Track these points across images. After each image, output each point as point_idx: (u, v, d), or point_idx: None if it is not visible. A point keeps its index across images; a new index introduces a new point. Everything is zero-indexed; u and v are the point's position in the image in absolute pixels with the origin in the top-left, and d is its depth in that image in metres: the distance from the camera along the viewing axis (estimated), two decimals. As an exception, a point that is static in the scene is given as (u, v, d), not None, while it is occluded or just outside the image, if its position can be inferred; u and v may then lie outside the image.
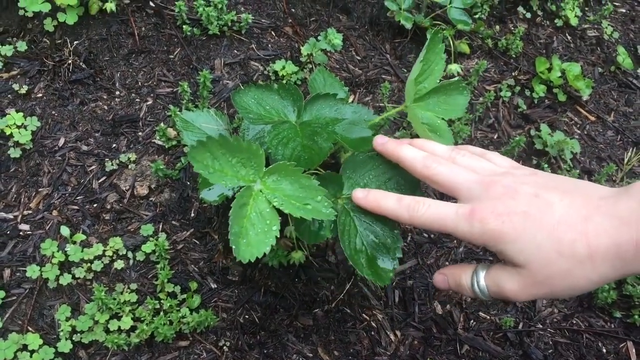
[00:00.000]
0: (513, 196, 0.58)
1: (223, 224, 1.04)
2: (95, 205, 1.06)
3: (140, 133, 1.14)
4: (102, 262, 1.00)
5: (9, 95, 1.14)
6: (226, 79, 1.22)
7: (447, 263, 1.11)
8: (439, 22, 1.34)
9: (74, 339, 0.93)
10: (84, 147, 1.11)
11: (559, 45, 1.49)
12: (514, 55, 1.42)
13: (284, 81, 1.21)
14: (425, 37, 1.31)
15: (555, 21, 1.52)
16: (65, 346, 0.92)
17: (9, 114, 1.10)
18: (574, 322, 1.09)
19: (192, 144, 0.65)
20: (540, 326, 1.07)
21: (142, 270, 1.01)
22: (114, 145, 1.12)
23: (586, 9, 1.59)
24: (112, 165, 1.09)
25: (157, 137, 1.12)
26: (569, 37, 1.52)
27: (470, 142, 1.25)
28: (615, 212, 0.53)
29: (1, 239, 1.01)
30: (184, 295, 0.98)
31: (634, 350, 1.07)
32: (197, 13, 1.23)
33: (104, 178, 1.08)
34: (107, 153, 1.11)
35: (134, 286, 0.99)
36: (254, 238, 0.65)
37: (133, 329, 0.94)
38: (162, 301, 0.97)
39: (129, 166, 1.09)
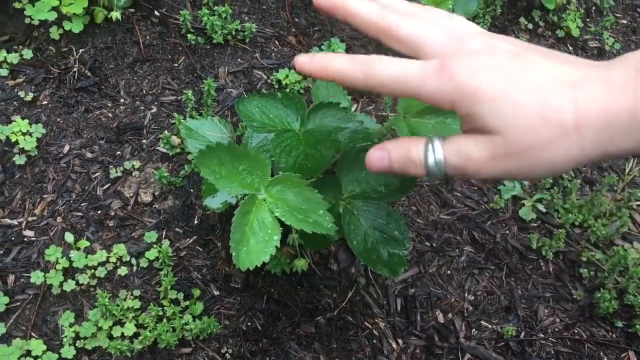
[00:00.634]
0: (491, 53, 0.49)
1: (226, 231, 1.05)
2: (99, 212, 1.06)
3: (144, 141, 1.14)
4: (106, 268, 1.00)
5: (15, 103, 1.15)
6: (230, 87, 1.23)
7: (449, 272, 1.11)
8: (441, 32, 1.35)
9: (77, 345, 0.93)
10: (89, 154, 1.12)
11: (560, 55, 1.50)
12: (515, 66, 1.42)
13: (287, 90, 1.22)
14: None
15: (557, 32, 1.53)
16: (68, 352, 0.92)
17: (15, 121, 1.11)
18: (576, 331, 1.09)
19: (200, 150, 0.66)
20: (542, 335, 1.07)
21: (146, 276, 1.02)
22: (118, 152, 1.13)
23: (587, 20, 1.60)
24: (116, 172, 1.10)
25: (161, 145, 1.13)
26: (570, 48, 1.53)
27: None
28: (608, 79, 0.47)
29: (6, 245, 1.01)
30: (187, 302, 0.99)
31: (635, 360, 1.07)
32: (201, 22, 1.25)
33: (108, 185, 1.09)
34: (111, 160, 1.12)
35: (137, 293, 0.99)
36: (255, 246, 0.65)
37: (136, 335, 0.95)
38: (165, 308, 0.97)
39: (133, 173, 1.10)
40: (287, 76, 1.22)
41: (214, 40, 1.25)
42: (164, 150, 1.13)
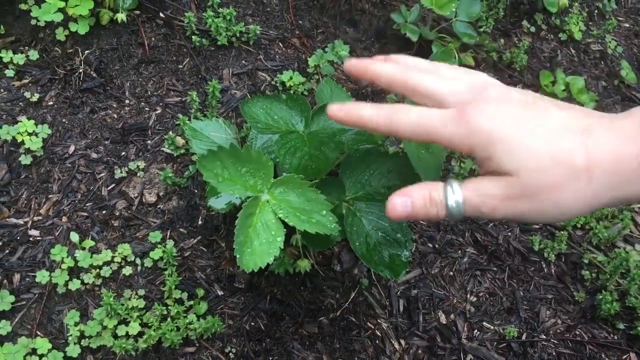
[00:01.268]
0: (506, 101, 0.52)
1: (230, 231, 1.06)
2: (104, 212, 1.07)
3: (149, 141, 1.15)
4: (111, 268, 1.01)
5: (21, 103, 1.16)
6: (234, 89, 1.23)
7: (451, 273, 1.12)
8: (444, 35, 1.36)
9: (82, 343, 0.94)
10: (94, 155, 1.13)
11: (563, 58, 1.51)
12: (518, 69, 1.43)
13: (292, 92, 1.22)
14: (430, 49, 1.33)
15: (560, 35, 1.53)
16: (73, 351, 0.93)
17: (21, 121, 1.12)
18: (577, 333, 1.09)
19: (202, 153, 0.66)
20: (544, 337, 1.08)
21: (150, 276, 1.02)
22: (123, 153, 1.14)
23: (590, 23, 1.60)
24: (121, 172, 1.11)
25: (166, 146, 1.14)
26: (573, 51, 1.53)
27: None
28: (618, 127, 0.49)
29: (11, 244, 1.02)
30: (191, 302, 0.99)
31: (637, 362, 1.08)
32: (206, 24, 1.25)
33: (113, 185, 1.10)
34: (116, 161, 1.12)
35: (141, 292, 1.00)
36: (258, 248, 0.66)
37: (140, 334, 0.96)
38: (169, 307, 0.98)
39: (138, 174, 1.11)
40: (291, 78, 1.23)
41: (219, 42, 1.26)
42: (168, 151, 1.14)
